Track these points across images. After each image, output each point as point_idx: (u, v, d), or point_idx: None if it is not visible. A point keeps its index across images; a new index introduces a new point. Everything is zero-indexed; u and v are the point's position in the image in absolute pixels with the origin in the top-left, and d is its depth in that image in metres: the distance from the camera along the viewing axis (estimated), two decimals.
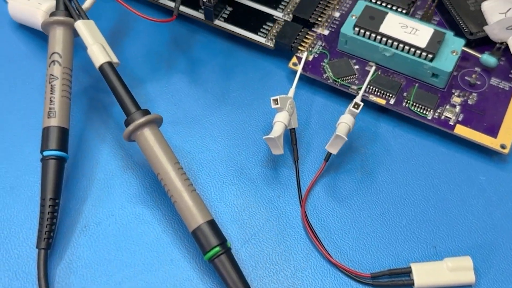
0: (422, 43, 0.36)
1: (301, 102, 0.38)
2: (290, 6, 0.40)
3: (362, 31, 0.37)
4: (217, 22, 0.40)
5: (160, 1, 0.41)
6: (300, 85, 0.37)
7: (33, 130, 0.36)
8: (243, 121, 0.37)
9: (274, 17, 0.40)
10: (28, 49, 0.39)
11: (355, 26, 0.37)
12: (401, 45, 0.36)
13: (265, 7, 0.40)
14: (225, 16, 0.40)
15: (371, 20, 0.37)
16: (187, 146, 0.36)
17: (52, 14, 0.34)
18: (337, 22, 0.40)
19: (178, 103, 0.38)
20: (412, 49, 0.36)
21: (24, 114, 0.37)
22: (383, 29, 0.36)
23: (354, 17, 0.38)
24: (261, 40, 0.39)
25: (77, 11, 0.34)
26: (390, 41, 0.36)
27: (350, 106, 0.33)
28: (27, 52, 0.39)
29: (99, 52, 0.33)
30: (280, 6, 0.41)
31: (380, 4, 0.39)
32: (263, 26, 0.40)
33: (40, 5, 0.37)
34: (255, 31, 0.39)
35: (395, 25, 0.37)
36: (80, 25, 0.33)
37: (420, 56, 0.36)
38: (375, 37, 0.37)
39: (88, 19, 0.34)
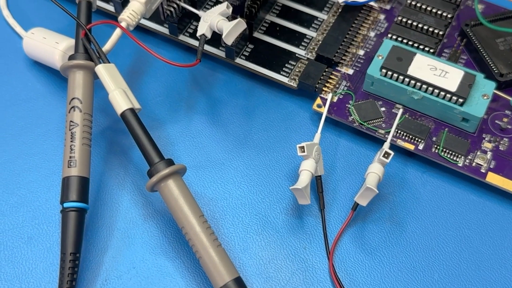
0: (452, 87, 0.35)
1: (325, 144, 0.36)
2: (313, 44, 0.39)
3: (389, 73, 0.36)
4: (238, 60, 0.39)
5: (180, 38, 0.40)
6: (324, 126, 0.36)
7: (51, 175, 0.35)
8: (266, 165, 0.36)
9: (296, 55, 0.39)
10: (44, 87, 0.38)
11: (382, 67, 0.36)
12: (430, 88, 0.35)
13: (287, 45, 0.39)
14: (246, 54, 0.39)
15: (398, 62, 0.36)
16: (210, 193, 0.35)
17: (72, 57, 0.33)
18: (361, 61, 0.39)
19: (200, 145, 0.36)
20: (442, 93, 0.35)
21: (41, 158, 0.35)
22: (411, 71, 0.35)
23: (380, 57, 0.37)
24: (284, 80, 0.38)
25: (97, 53, 0.33)
26: (419, 84, 0.35)
27: (380, 155, 0.32)
28: (43, 91, 0.38)
29: (121, 99, 0.32)
30: (303, 44, 0.39)
31: (407, 43, 0.38)
32: (286, 65, 0.38)
33: (58, 44, 0.36)
34: (277, 70, 0.38)
35: (424, 66, 0.36)
36: (101, 70, 0.32)
37: (450, 100, 0.35)
38: (403, 79, 0.35)
39: (108, 62, 0.33)
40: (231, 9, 0.34)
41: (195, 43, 0.39)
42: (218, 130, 0.37)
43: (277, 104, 0.38)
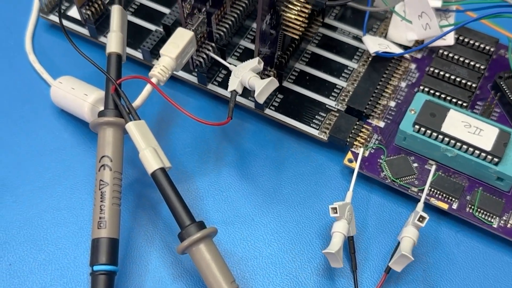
0: (487, 146, 0.34)
1: (356, 200, 0.36)
2: (343, 94, 0.39)
3: (422, 129, 0.35)
4: (268, 111, 0.38)
5: (209, 87, 0.39)
6: (355, 181, 0.35)
7: (79, 231, 0.34)
8: (297, 222, 0.35)
9: (327, 106, 0.39)
10: (72, 137, 0.38)
11: (415, 123, 0.35)
12: (464, 147, 0.34)
13: (317, 95, 0.39)
14: (276, 104, 0.39)
15: (432, 118, 0.35)
16: (239, 251, 0.34)
17: (101, 114, 0.33)
18: (392, 113, 0.38)
19: (229, 200, 0.36)
20: (477, 152, 0.34)
21: (69, 212, 0.35)
22: (445, 128, 0.35)
23: (413, 112, 0.36)
24: (314, 132, 0.37)
25: (127, 109, 0.33)
26: (453, 141, 0.34)
27: (415, 219, 0.31)
28: (71, 140, 0.38)
29: (151, 158, 0.31)
30: (333, 94, 0.39)
31: (439, 96, 0.38)
32: (316, 116, 0.38)
33: (87, 96, 0.36)
34: (307, 122, 0.38)
35: (458, 123, 0.35)
36: (132, 128, 0.32)
37: (485, 159, 0.34)
38: (437, 136, 0.35)
39: (139, 118, 0.33)
40: (262, 64, 0.34)
41: (223, 92, 0.39)
42: (247, 184, 0.37)
43: (306, 156, 0.38)
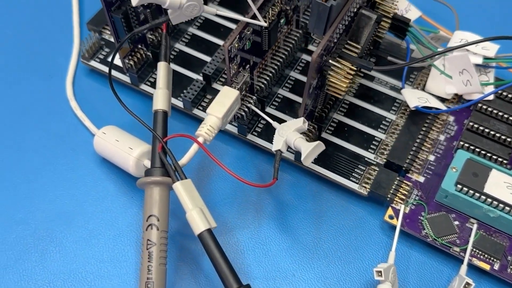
0: None
1: (396, 257, 0.36)
2: (382, 147, 0.39)
3: (465, 189, 0.35)
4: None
5: (248, 138, 0.40)
6: (393, 236, 0.36)
7: (123, 284, 0.35)
8: (337, 279, 0.35)
9: (366, 159, 0.39)
10: (115, 187, 0.38)
11: (457, 183, 0.35)
12: (507, 208, 0.34)
13: (355, 147, 0.39)
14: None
15: (474, 177, 0.35)
16: None
17: (149, 172, 0.33)
18: (432, 167, 0.38)
19: (269, 254, 0.36)
20: None
21: (112, 264, 0.35)
22: (488, 189, 0.35)
23: (455, 170, 0.36)
24: (354, 187, 0.38)
25: (173, 167, 0.33)
26: (495, 202, 0.35)
27: (460, 286, 0.32)
28: (113, 190, 0.38)
29: (198, 219, 0.32)
30: (372, 146, 0.39)
31: (479, 153, 0.38)
32: (355, 170, 0.38)
33: (132, 150, 0.36)
34: (347, 175, 0.38)
35: (500, 183, 0.35)
36: (179, 188, 0.32)
37: None
38: (479, 196, 0.35)
39: (185, 177, 0.33)
40: (306, 124, 0.34)
41: (262, 143, 0.39)
42: (288, 237, 0.37)
43: (345, 209, 0.38)
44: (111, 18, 0.36)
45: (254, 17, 0.34)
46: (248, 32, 0.34)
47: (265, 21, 0.34)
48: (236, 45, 0.33)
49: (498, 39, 0.37)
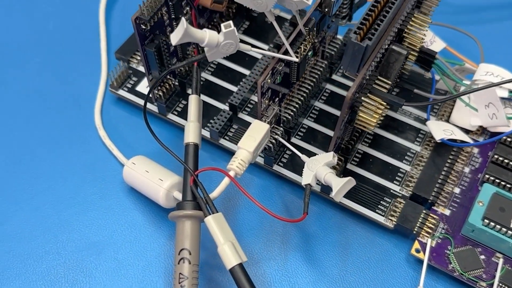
0: None
1: None
2: (407, 179, 0.39)
3: (492, 223, 0.35)
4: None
5: (274, 168, 0.40)
6: (420, 270, 0.36)
7: None
8: None
9: (391, 190, 0.39)
10: (143, 216, 0.39)
11: (484, 217, 0.36)
12: None
13: (381, 179, 0.39)
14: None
15: (501, 212, 0.36)
16: None
17: (180, 206, 0.34)
18: (458, 200, 0.39)
19: (295, 286, 0.36)
20: None
21: None
22: None
23: (481, 204, 0.36)
24: (380, 219, 0.38)
25: (204, 200, 0.34)
26: None
27: None
28: (142, 220, 0.39)
29: (230, 254, 0.32)
30: (397, 178, 0.40)
31: (504, 186, 0.38)
32: (381, 202, 0.39)
33: (162, 182, 0.36)
34: (372, 207, 0.38)
35: None
36: (211, 222, 0.33)
37: None
38: (506, 231, 0.35)
39: (216, 210, 0.34)
40: (336, 158, 0.35)
41: (288, 173, 0.40)
42: (314, 270, 0.37)
43: (371, 241, 0.38)
44: (144, 52, 0.37)
45: (286, 52, 0.35)
46: (280, 68, 0.35)
47: (297, 57, 0.35)
48: (269, 80, 0.34)
49: None
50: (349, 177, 0.33)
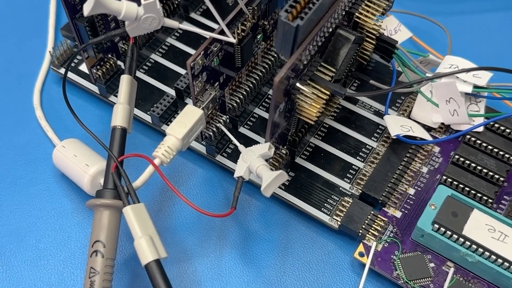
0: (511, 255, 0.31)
1: None
2: (359, 177, 0.36)
3: (442, 229, 0.32)
4: (277, 190, 0.36)
5: (217, 159, 0.37)
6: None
7: None
8: None
9: (340, 188, 0.36)
10: (72, 203, 0.36)
11: (434, 222, 0.33)
12: (487, 253, 0.31)
13: (331, 175, 0.37)
14: (286, 183, 0.36)
15: (453, 217, 0.33)
16: None
17: (99, 194, 0.31)
18: (411, 202, 0.36)
19: (228, 287, 0.34)
20: (500, 260, 0.31)
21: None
22: (467, 231, 0.32)
23: (433, 207, 0.33)
24: (325, 218, 0.35)
25: (126, 190, 0.31)
26: (474, 246, 0.32)
27: None
28: (71, 207, 0.36)
29: (146, 248, 0.29)
30: (348, 175, 0.37)
31: (463, 189, 0.35)
32: (328, 200, 0.36)
33: (88, 167, 0.34)
34: (318, 206, 0.35)
35: (481, 226, 0.32)
36: (129, 213, 0.30)
37: (507, 269, 0.31)
38: (457, 238, 0.32)
39: (138, 201, 0.31)
40: (273, 150, 0.32)
41: (231, 165, 0.37)
42: (250, 270, 0.34)
43: (314, 241, 0.35)
44: (75, 26, 0.34)
45: (223, 32, 0.32)
46: (215, 49, 0.32)
47: (234, 37, 0.32)
48: (200, 61, 0.31)
49: (491, 70, 0.35)
50: (281, 171, 0.30)
